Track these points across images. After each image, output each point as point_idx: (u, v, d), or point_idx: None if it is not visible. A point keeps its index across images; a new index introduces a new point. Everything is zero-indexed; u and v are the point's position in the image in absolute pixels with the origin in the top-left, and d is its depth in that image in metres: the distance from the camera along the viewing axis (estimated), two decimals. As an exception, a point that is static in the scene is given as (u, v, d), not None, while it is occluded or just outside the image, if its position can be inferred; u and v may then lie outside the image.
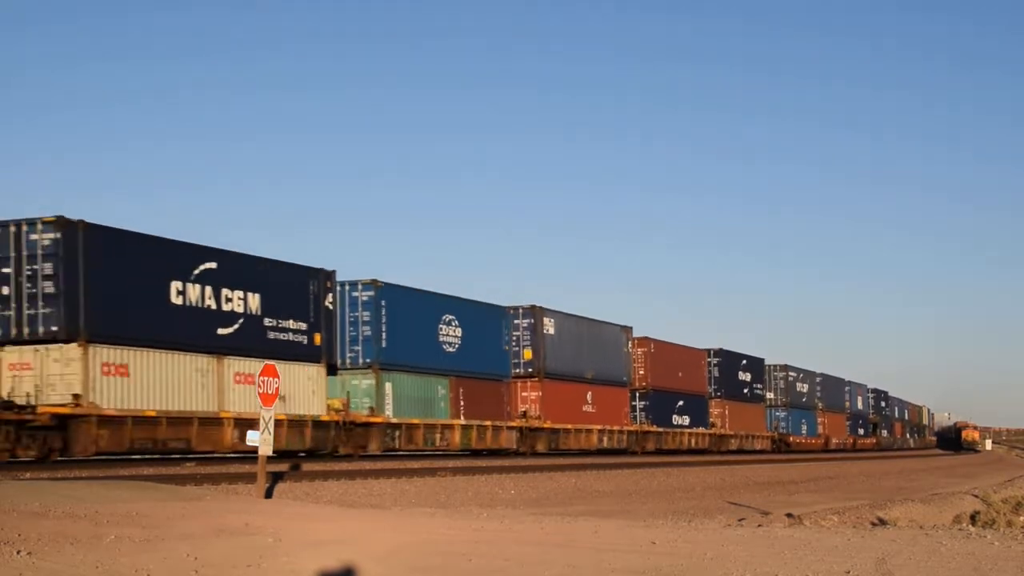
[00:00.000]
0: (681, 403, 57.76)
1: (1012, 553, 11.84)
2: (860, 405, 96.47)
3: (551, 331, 45.64)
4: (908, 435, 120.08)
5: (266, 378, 19.16)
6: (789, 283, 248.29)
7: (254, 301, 31.01)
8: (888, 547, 12.24)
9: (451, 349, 39.37)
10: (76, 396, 25.65)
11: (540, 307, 45.37)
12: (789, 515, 22.68)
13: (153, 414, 27.41)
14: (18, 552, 10.83)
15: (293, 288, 32.61)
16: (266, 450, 19.36)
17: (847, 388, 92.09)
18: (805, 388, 79.41)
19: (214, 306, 29.71)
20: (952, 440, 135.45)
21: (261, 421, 19.19)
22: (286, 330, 32.08)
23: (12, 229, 26.06)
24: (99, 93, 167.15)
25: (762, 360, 71.74)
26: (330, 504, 20.01)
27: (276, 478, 22.53)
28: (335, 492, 22.80)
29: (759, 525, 17.27)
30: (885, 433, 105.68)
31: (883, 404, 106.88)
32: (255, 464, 20.40)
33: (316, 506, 18.70)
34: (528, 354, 44.38)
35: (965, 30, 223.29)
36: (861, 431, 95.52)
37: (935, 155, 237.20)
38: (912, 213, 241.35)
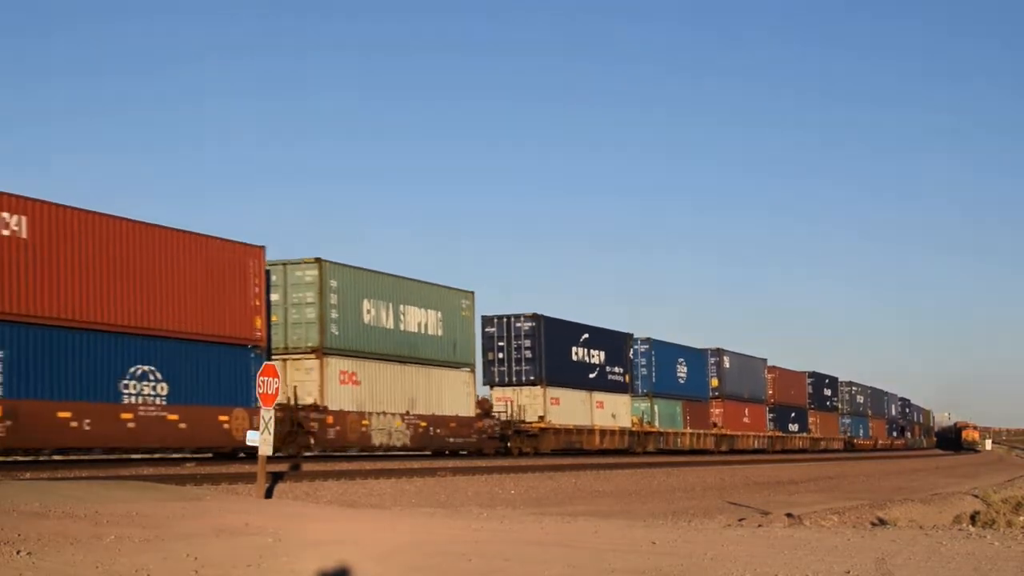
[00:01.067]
0: (793, 414, 76.90)
1: (1012, 553, 11.83)
2: (894, 412, 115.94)
3: (727, 365, 64.52)
4: (922, 436, 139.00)
5: (266, 378, 18.99)
6: (786, 284, 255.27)
7: (601, 356, 49.67)
8: (888, 547, 12.25)
9: (682, 381, 58.25)
10: (541, 417, 44.27)
11: (721, 348, 64.24)
12: (789, 515, 22.70)
13: (571, 427, 46.12)
14: (18, 552, 10.80)
15: (616, 345, 51.27)
16: (266, 450, 19.02)
17: (885, 398, 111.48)
18: (861, 399, 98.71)
19: (587, 360, 48.39)
20: (952, 440, 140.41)
21: (261, 421, 18.97)
22: (614, 373, 50.75)
23: (504, 320, 44.65)
24: (100, 94, 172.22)
25: (836, 378, 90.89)
26: (330, 504, 20.00)
27: (276, 478, 22.62)
28: (335, 492, 22.79)
29: (759, 525, 17.31)
30: (909, 435, 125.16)
31: (907, 410, 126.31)
32: (255, 464, 20.42)
33: (316, 506, 18.70)
34: (715, 382, 63.29)
35: (965, 35, 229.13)
36: (894, 433, 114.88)
37: (935, 156, 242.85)
38: (911, 214, 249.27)
